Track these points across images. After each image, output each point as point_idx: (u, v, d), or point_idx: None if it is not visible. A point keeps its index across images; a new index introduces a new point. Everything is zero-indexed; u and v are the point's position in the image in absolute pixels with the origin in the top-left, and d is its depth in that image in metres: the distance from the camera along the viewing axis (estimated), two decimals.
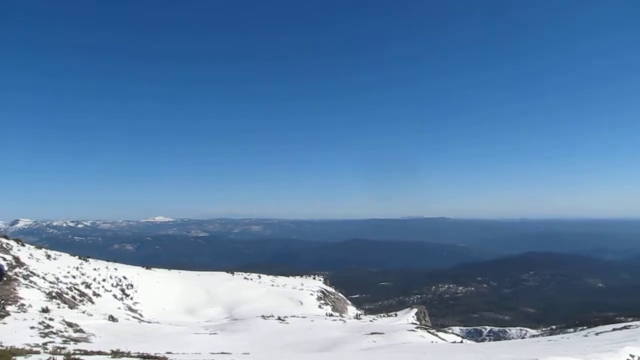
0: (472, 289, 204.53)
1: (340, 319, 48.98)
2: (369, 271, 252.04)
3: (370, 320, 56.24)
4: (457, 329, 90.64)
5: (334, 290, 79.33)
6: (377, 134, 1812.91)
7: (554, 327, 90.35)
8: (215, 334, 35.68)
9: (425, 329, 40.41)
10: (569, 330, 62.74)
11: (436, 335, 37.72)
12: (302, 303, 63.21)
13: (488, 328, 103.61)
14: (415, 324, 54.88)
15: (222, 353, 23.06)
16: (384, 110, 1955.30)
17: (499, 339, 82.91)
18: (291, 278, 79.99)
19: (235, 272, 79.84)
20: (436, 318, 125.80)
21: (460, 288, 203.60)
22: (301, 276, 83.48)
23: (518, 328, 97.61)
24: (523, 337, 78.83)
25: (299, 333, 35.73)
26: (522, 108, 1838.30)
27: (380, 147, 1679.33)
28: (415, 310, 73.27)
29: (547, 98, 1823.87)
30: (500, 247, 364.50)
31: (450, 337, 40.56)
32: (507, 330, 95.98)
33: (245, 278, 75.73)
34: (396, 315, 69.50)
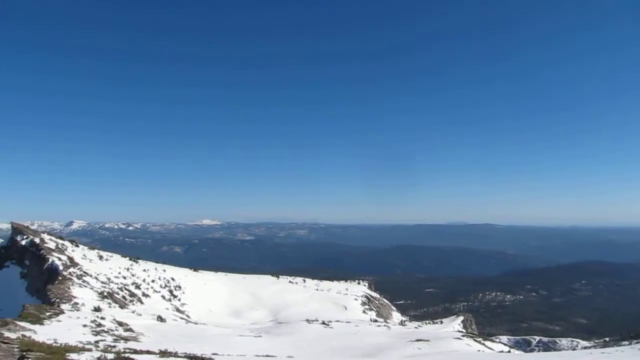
0: (521, 297, 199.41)
1: (384, 325, 48.70)
2: (415, 277, 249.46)
3: (416, 327, 55.71)
4: (504, 339, 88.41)
5: (378, 296, 78.89)
6: (421, 139, 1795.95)
7: (607, 339, 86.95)
8: (260, 336, 36.00)
9: (472, 337, 39.72)
10: (623, 342, 60.22)
11: (483, 344, 37.03)
12: (346, 308, 63.09)
13: (537, 338, 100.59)
14: (462, 332, 54.01)
15: (267, 356, 23.28)
16: (433, 116, 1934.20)
17: (549, 350, 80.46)
18: (336, 283, 79.95)
19: (280, 276, 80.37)
20: (483, 326, 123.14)
21: (508, 296, 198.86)
22: (346, 281, 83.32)
23: (569, 339, 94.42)
24: (574, 349, 76.20)
25: (343, 338, 35.67)
26: (574, 114, 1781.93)
27: (422, 152, 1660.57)
28: (461, 317, 72.11)
29: (599, 103, 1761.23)
30: (551, 255, 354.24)
31: (497, 347, 39.79)
32: (558, 341, 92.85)
33: (290, 282, 76.17)
34: (442, 322, 68.56)
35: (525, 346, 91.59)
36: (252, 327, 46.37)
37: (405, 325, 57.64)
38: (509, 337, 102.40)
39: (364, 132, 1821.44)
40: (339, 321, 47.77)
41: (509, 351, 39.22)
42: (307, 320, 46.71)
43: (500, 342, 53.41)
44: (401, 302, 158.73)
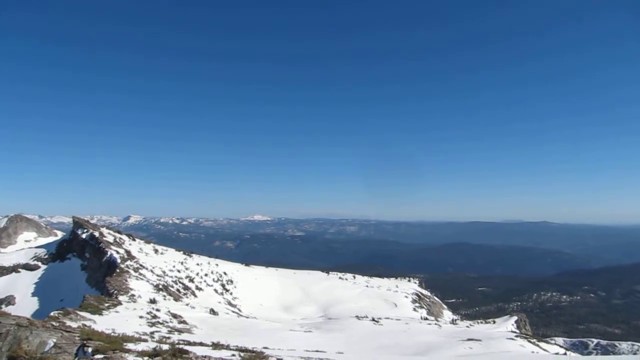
0: (578, 298, 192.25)
1: (435, 323, 48.11)
2: (467, 276, 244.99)
3: (467, 326, 54.69)
4: (560, 340, 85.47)
5: (429, 294, 78.00)
6: (475, 138, 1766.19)
7: None
8: (310, 331, 36.25)
9: (526, 338, 38.73)
10: None
11: (537, 345, 36.07)
12: (396, 305, 62.70)
13: (595, 341, 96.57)
14: (515, 332, 52.75)
15: (317, 351, 23.39)
16: (485, 113, 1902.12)
17: (608, 354, 77.34)
18: (386, 280, 79.54)
19: (330, 272, 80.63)
20: (537, 327, 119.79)
21: (564, 297, 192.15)
22: (396, 278, 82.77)
23: (629, 343, 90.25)
24: (635, 353, 73.09)
25: (393, 335, 35.47)
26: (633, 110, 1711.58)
27: (477, 150, 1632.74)
28: (515, 318, 70.40)
29: None
30: (611, 255, 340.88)
31: (552, 348, 38.64)
32: (617, 345, 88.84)
33: (340, 278, 76.26)
34: (494, 322, 67.09)
35: (583, 349, 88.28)
36: (302, 323, 46.71)
37: (456, 324, 56.70)
38: (565, 339, 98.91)
39: (417, 131, 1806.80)
40: (388, 318, 47.56)
41: (565, 353, 37.98)
42: (357, 317, 46.74)
43: (555, 343, 51.74)
44: (452, 300, 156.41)
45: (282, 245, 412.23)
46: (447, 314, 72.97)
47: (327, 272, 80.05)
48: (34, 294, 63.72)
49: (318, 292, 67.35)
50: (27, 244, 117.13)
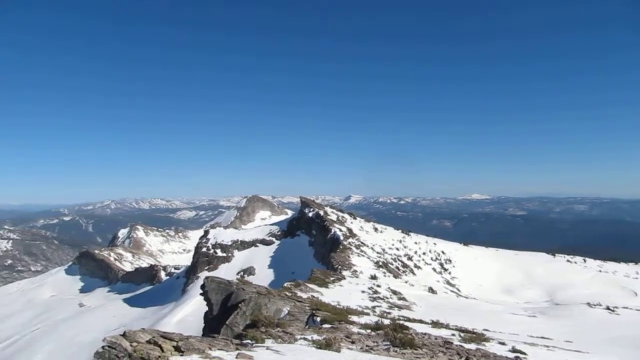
0: None
1: None
2: None
3: None
4: None
5: None
6: None
7: None
8: (534, 316, 34.48)
9: None
10: None
11: None
12: (636, 294, 56.33)
13: None
14: None
15: (542, 337, 22.24)
16: None
17: None
18: (623, 264, 71.77)
19: (556, 254, 75.43)
20: None
21: None
22: (636, 263, 74.15)
23: None
24: None
25: (631, 327, 31.94)
26: None
27: None
28: None
29: None
30: None
31: None
32: None
33: (568, 261, 71.00)
34: None
35: None
36: (525, 307, 44.61)
37: None
38: None
39: None
40: (627, 308, 42.92)
41: None
42: (588, 304, 43.08)
43: None
44: None
45: (502, 225, 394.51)
46: None
47: (553, 254, 74.96)
48: (269, 266, 71.34)
49: (542, 275, 63.60)
50: (263, 222, 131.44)
